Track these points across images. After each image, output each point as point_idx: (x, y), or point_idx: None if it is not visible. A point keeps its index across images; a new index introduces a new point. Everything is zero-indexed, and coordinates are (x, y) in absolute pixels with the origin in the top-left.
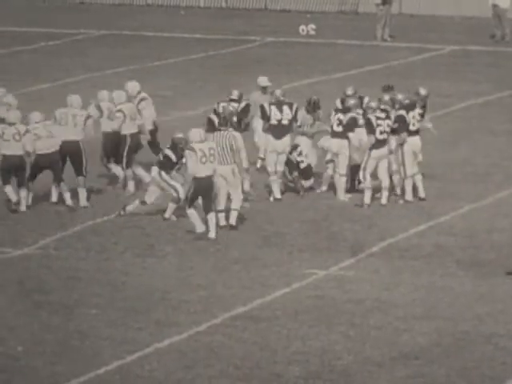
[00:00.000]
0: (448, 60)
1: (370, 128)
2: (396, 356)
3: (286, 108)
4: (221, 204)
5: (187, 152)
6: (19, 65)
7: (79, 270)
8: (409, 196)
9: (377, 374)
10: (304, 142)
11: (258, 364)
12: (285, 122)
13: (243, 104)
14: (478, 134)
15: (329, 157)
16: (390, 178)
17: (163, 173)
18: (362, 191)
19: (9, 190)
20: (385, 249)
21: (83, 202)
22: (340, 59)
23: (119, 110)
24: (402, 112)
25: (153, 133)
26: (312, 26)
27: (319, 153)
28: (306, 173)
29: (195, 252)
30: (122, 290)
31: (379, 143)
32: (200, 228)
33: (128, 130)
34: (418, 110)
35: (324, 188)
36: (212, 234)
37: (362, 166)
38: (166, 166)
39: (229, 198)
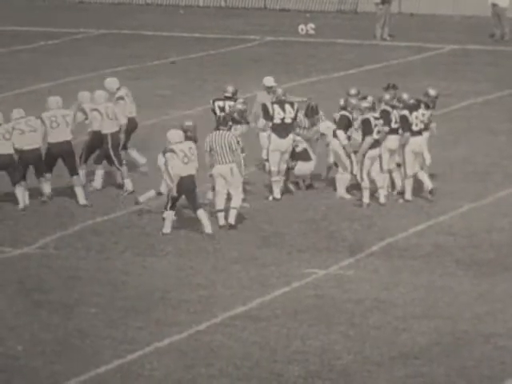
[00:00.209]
0: (447, 59)
1: (368, 128)
2: (395, 355)
3: (288, 107)
4: (220, 204)
5: (168, 154)
6: (19, 64)
7: (79, 269)
8: (408, 195)
9: (376, 374)
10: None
11: (257, 363)
12: (288, 120)
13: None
14: (478, 133)
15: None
16: (391, 176)
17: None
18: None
19: None
20: (384, 248)
21: (82, 200)
22: (339, 58)
23: (95, 110)
24: (405, 112)
25: (128, 130)
26: (311, 25)
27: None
28: (303, 155)
29: (195, 252)
30: (122, 289)
31: (375, 143)
32: (166, 229)
33: (108, 129)
34: (421, 111)
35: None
36: (208, 229)
37: (358, 166)
38: None
39: (228, 198)
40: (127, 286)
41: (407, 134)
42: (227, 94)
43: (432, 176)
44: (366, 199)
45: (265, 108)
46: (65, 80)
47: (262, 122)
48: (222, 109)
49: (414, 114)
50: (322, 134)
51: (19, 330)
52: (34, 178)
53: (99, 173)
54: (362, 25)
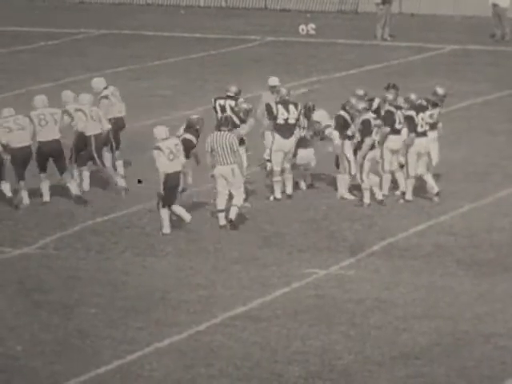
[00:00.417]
0: (448, 59)
1: (368, 129)
2: (396, 355)
3: (292, 107)
4: (221, 204)
5: (155, 152)
6: (19, 64)
7: (79, 269)
8: (409, 196)
9: (377, 374)
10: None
11: (257, 364)
12: (291, 121)
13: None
14: (478, 133)
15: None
16: (393, 176)
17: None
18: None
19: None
20: (385, 248)
21: (76, 191)
22: (340, 59)
23: (79, 110)
24: (412, 113)
25: (115, 129)
26: (312, 25)
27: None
28: (302, 143)
29: (195, 252)
30: (122, 289)
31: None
32: (165, 230)
33: (92, 131)
34: (428, 113)
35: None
36: (187, 218)
37: (358, 167)
38: (188, 149)
39: (229, 198)
40: (127, 287)
41: (412, 134)
42: (230, 94)
43: (433, 176)
44: (366, 199)
45: (269, 108)
46: (65, 80)
47: (266, 121)
48: (223, 107)
49: (421, 115)
50: (317, 122)
51: (19, 330)
52: (34, 178)
53: (85, 174)
54: (362, 25)
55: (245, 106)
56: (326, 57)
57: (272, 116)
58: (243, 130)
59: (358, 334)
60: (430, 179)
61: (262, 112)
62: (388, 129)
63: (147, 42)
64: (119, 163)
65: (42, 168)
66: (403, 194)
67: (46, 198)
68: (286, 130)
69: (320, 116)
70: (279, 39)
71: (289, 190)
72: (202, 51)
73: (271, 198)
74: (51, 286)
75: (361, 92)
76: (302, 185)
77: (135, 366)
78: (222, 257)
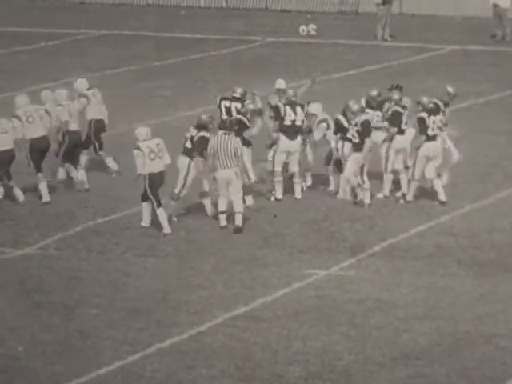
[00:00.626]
0: (448, 60)
1: (368, 131)
2: (397, 356)
3: (299, 109)
4: (222, 205)
5: (134, 151)
6: (19, 65)
7: (80, 270)
8: (410, 197)
9: (377, 374)
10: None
11: (258, 364)
12: (298, 123)
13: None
14: (479, 133)
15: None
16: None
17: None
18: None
19: None
20: (385, 249)
21: (46, 197)
22: (340, 59)
23: (60, 105)
24: (424, 114)
25: (95, 131)
26: (312, 26)
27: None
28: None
29: (196, 252)
30: (123, 290)
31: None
32: (144, 222)
33: (30, 134)
34: (439, 117)
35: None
36: (166, 230)
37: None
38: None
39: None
40: (128, 287)
41: (423, 137)
42: (235, 95)
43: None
44: (367, 200)
45: (276, 109)
46: (65, 81)
47: (271, 123)
48: (228, 109)
49: (432, 117)
50: (313, 115)
51: (20, 330)
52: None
53: (61, 171)
54: (362, 25)
55: (251, 106)
56: (326, 57)
57: (279, 117)
58: (253, 130)
59: (359, 334)
60: (439, 186)
61: (269, 114)
62: (395, 129)
63: (148, 42)
64: (109, 160)
65: (38, 167)
66: (404, 195)
67: (46, 198)
68: (292, 131)
69: (316, 109)
70: (280, 40)
71: (297, 195)
72: (203, 52)
73: (272, 198)
74: (52, 287)
75: (374, 92)
76: (303, 185)
77: (136, 366)
78: (222, 257)
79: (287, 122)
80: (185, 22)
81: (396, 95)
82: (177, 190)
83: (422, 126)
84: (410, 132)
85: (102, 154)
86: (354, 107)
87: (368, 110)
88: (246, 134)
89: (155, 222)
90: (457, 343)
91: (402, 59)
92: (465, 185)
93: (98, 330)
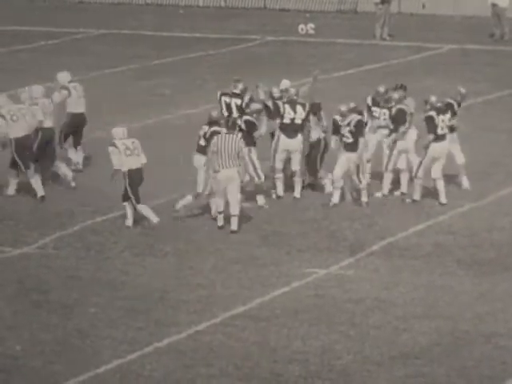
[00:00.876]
0: (447, 59)
1: (362, 130)
2: (396, 355)
3: (299, 107)
4: (220, 205)
5: (110, 148)
6: (19, 64)
7: (79, 269)
8: (417, 196)
9: (376, 374)
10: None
11: (257, 363)
12: (298, 121)
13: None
14: (478, 132)
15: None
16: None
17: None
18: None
19: None
20: (384, 248)
21: (41, 191)
22: (339, 58)
23: (35, 104)
24: (433, 113)
25: (74, 125)
26: (311, 25)
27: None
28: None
29: (194, 252)
30: (122, 289)
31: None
32: (128, 222)
33: (39, 124)
34: (448, 116)
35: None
36: (155, 219)
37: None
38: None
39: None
40: (127, 286)
41: (431, 136)
42: (235, 91)
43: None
44: (364, 198)
45: (276, 107)
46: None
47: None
48: (228, 105)
49: (441, 116)
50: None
51: (18, 329)
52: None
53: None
54: (361, 25)
55: (257, 106)
56: (325, 56)
57: (278, 115)
58: (262, 130)
59: (358, 333)
60: (441, 186)
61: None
62: (405, 127)
63: (147, 41)
64: (71, 152)
65: (26, 164)
66: (403, 194)
67: (41, 192)
68: (291, 130)
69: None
70: (278, 39)
71: (297, 194)
72: (202, 51)
73: (273, 196)
74: (51, 286)
75: (381, 89)
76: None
77: (135, 365)
78: (221, 257)
79: (286, 120)
80: (184, 21)
81: (396, 94)
82: (200, 189)
83: (430, 124)
84: (413, 133)
85: (67, 147)
86: (343, 108)
87: (374, 109)
88: (257, 134)
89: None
90: (456, 342)
91: (400, 58)
92: (465, 183)
93: (97, 329)
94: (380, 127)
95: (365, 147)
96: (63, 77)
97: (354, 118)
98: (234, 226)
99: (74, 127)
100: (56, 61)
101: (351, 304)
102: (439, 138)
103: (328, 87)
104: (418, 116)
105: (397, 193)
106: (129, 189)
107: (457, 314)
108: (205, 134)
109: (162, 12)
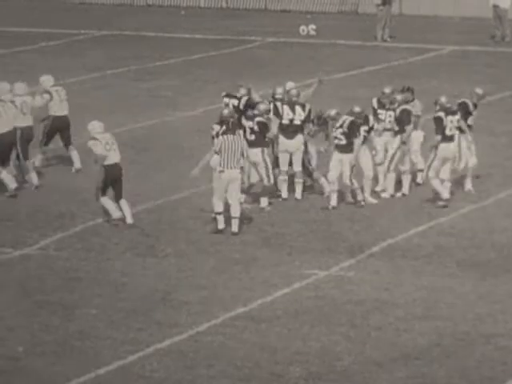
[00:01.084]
0: (448, 60)
1: (354, 132)
2: (396, 356)
3: (298, 108)
4: (220, 206)
5: (91, 142)
6: (19, 65)
7: (80, 270)
8: (445, 194)
9: (377, 375)
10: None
11: (258, 364)
12: (297, 122)
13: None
14: (479, 134)
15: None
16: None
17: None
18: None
19: None
20: (385, 249)
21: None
22: (340, 59)
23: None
24: (441, 114)
25: (53, 127)
26: (312, 26)
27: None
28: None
29: (195, 253)
30: (123, 290)
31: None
32: (115, 214)
33: (19, 123)
34: (457, 117)
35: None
36: (129, 220)
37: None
38: None
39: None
40: (127, 287)
41: (438, 137)
42: (234, 93)
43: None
44: (360, 197)
45: (275, 108)
46: (65, 81)
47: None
48: (227, 106)
49: (450, 117)
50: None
51: (19, 330)
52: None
53: (39, 157)
54: (362, 26)
55: (265, 106)
56: (326, 58)
57: (278, 115)
58: (274, 129)
59: (358, 334)
60: (447, 188)
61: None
62: (411, 127)
63: (148, 42)
64: (74, 154)
65: (2, 161)
66: (404, 195)
67: (12, 185)
68: (290, 130)
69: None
70: (280, 40)
71: (298, 195)
72: (203, 52)
73: (280, 198)
74: (52, 287)
75: (387, 90)
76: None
77: (136, 366)
78: (222, 258)
79: (285, 121)
80: (185, 22)
81: (400, 96)
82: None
83: (438, 125)
84: (419, 135)
85: (44, 149)
86: (332, 112)
87: (380, 111)
88: (270, 135)
89: (154, 223)
90: (456, 343)
91: (401, 60)
92: (467, 185)
93: (98, 330)
94: (386, 130)
95: (358, 147)
96: (46, 80)
97: (347, 119)
98: (234, 227)
99: (57, 130)
100: (57, 62)
101: (352, 305)
102: (448, 138)
103: (329, 89)
104: (425, 118)
105: (398, 194)
106: (102, 184)
107: (457, 315)
108: (217, 133)
109: (163, 13)
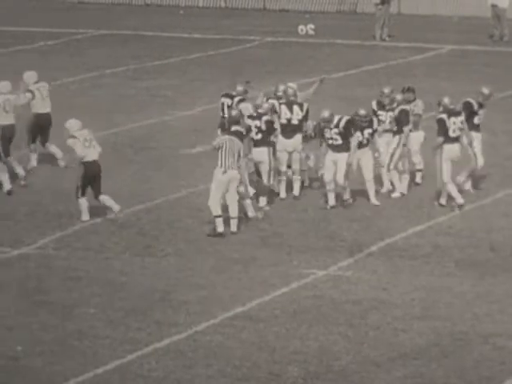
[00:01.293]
0: (447, 60)
1: (350, 131)
2: (394, 356)
3: (296, 108)
4: (218, 209)
5: (70, 141)
6: (18, 64)
7: (78, 269)
8: (460, 200)
9: (375, 374)
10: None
11: (256, 364)
12: (294, 121)
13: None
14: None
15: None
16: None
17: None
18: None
19: None
20: (383, 249)
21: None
22: (339, 59)
23: None
24: (444, 116)
25: (36, 125)
26: (311, 25)
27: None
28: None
29: (194, 252)
30: (122, 289)
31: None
32: (85, 217)
33: (1, 121)
34: (461, 118)
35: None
36: (116, 208)
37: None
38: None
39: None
40: (126, 287)
41: (440, 138)
42: (230, 92)
43: (432, 176)
44: (346, 196)
45: (273, 107)
46: (64, 80)
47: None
48: (222, 105)
49: (452, 119)
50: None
51: (18, 330)
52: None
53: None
54: (361, 25)
55: (267, 105)
56: (324, 57)
57: (276, 115)
58: (278, 129)
59: (357, 334)
60: (449, 189)
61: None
62: (409, 127)
63: (146, 42)
64: (56, 151)
65: None
66: (403, 195)
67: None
68: (288, 130)
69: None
70: (278, 40)
71: (296, 192)
72: (201, 51)
73: (278, 198)
74: (50, 287)
75: (387, 90)
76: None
77: (134, 366)
78: (221, 257)
79: (283, 121)
80: (183, 22)
81: (399, 96)
82: (242, 189)
83: (441, 127)
84: (420, 135)
85: (33, 146)
86: (326, 114)
87: (380, 113)
88: (276, 133)
89: (153, 222)
90: (454, 343)
91: (400, 59)
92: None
93: (97, 329)
94: (386, 131)
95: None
96: (29, 77)
97: (342, 118)
98: (233, 227)
99: (40, 127)
100: (55, 61)
101: (350, 305)
102: (452, 140)
103: (328, 88)
104: (424, 117)
105: (395, 194)
106: (81, 181)
107: (455, 314)
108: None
109: (162, 12)
